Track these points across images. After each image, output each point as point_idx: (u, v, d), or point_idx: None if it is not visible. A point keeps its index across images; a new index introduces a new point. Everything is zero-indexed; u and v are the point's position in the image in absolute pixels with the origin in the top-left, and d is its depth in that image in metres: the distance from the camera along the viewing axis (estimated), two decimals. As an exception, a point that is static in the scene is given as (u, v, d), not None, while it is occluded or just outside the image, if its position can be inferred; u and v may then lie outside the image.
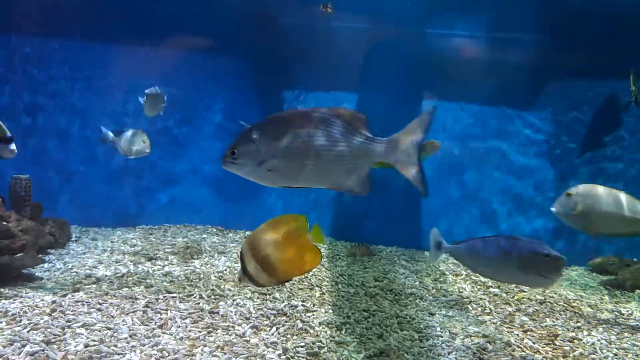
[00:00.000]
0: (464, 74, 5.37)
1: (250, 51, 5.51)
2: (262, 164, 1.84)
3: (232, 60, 5.54)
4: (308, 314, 3.03)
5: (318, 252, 1.71)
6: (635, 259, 4.60)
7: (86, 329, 2.52)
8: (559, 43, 5.22)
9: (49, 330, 2.46)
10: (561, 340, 2.97)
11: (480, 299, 3.70)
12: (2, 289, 3.04)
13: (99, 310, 2.80)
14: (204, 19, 5.29)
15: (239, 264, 1.85)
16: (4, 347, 2.25)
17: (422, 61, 5.41)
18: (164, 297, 3.09)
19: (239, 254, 1.72)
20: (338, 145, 1.84)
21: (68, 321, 2.59)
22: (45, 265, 3.71)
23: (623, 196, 2.86)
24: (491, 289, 3.96)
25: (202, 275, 3.63)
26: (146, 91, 3.94)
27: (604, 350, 2.87)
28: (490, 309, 3.47)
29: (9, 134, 2.96)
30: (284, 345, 2.55)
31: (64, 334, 2.44)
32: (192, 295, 3.17)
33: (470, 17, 5.33)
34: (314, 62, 5.46)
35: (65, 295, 3.00)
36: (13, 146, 2.97)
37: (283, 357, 2.44)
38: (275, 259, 1.71)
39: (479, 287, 4.02)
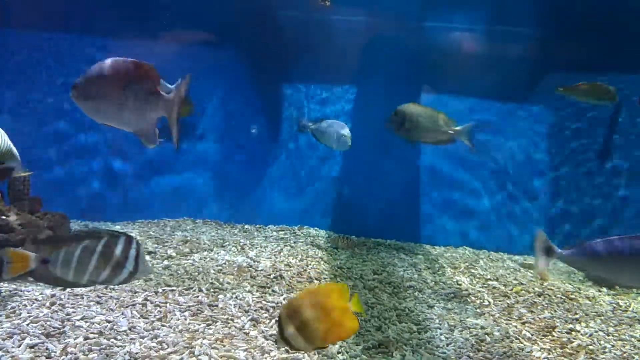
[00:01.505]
0: (463, 67, 5.36)
1: (249, 44, 5.49)
2: (83, 99, 2.26)
3: (230, 54, 5.52)
4: (307, 307, 3.04)
5: (356, 321, 1.74)
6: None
7: (86, 322, 2.53)
8: (559, 36, 5.21)
9: (48, 323, 2.46)
10: (559, 332, 2.99)
11: (479, 291, 3.71)
12: (1, 283, 3.04)
13: (98, 303, 2.80)
14: (202, 11, 5.27)
15: (277, 327, 1.86)
16: (3, 339, 2.26)
17: (420, 54, 5.39)
18: (163, 290, 3.10)
19: (277, 317, 1.74)
20: (126, 94, 2.21)
21: (67, 314, 2.60)
22: (45, 259, 3.72)
23: (435, 113, 3.49)
24: (490, 282, 3.97)
25: (201, 269, 3.64)
26: None
27: (602, 342, 2.89)
28: (489, 302, 3.48)
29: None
30: (283, 337, 2.56)
31: (64, 327, 2.44)
32: (192, 288, 3.18)
33: (468, 10, 5.31)
34: (312, 55, 5.44)
35: (64, 289, 3.00)
36: None
37: (282, 349, 2.44)
38: (315, 326, 1.72)
39: (477, 279, 4.04)
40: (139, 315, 2.68)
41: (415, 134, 3.55)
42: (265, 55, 5.51)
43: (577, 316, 3.30)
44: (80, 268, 1.93)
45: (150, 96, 2.24)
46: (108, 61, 2.22)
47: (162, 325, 2.59)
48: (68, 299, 2.82)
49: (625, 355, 2.74)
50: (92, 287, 3.05)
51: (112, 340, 2.36)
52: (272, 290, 3.27)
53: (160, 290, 3.09)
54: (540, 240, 2.42)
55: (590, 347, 2.80)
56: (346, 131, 4.19)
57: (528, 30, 5.33)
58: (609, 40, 4.99)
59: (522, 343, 2.80)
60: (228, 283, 3.35)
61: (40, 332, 2.36)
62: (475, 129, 3.58)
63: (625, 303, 3.66)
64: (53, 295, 2.84)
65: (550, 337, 2.92)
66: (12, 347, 2.20)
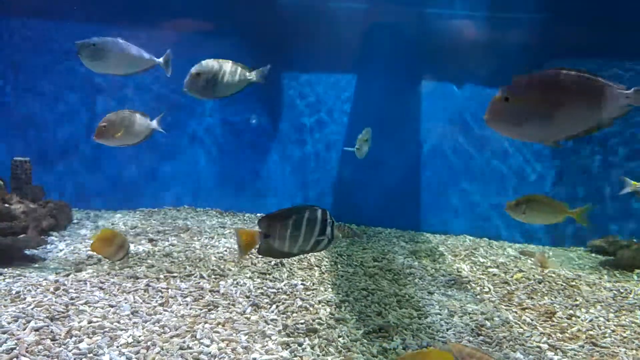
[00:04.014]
0: (463, 54, 5.34)
1: (249, 31, 5.46)
2: None
3: (230, 40, 5.50)
4: (308, 293, 3.06)
5: None
6: (634, 240, 4.61)
7: (89, 307, 2.56)
8: (561, 21, 5.17)
9: (52, 307, 2.49)
10: (559, 318, 3.00)
11: (479, 278, 3.72)
12: (5, 269, 3.07)
13: (101, 289, 2.83)
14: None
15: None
16: (8, 323, 2.28)
17: (421, 42, 5.36)
18: (165, 276, 3.12)
19: None
20: None
21: (71, 299, 2.62)
22: (48, 246, 3.74)
23: (230, 63, 3.37)
24: (490, 269, 3.99)
25: (202, 256, 3.66)
26: (76, 42, 3.29)
27: (602, 327, 2.90)
28: (489, 288, 3.50)
29: None
30: (284, 322, 2.58)
31: (68, 311, 2.47)
32: (193, 274, 3.20)
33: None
34: (312, 43, 5.42)
35: (68, 275, 3.03)
36: None
37: (283, 333, 2.47)
38: None
39: (477, 267, 4.05)
40: (141, 301, 2.70)
41: (221, 90, 3.29)
42: (264, 43, 5.49)
43: (577, 302, 3.31)
44: (292, 240, 2.15)
45: None
46: None
47: (164, 310, 2.61)
48: (72, 284, 2.84)
49: (625, 340, 2.75)
50: (95, 274, 3.08)
51: (116, 323, 2.38)
52: (273, 277, 3.29)
53: (162, 276, 3.12)
54: None
55: (590, 332, 2.82)
56: (357, 145, 4.20)
57: (528, 16, 5.29)
58: (610, 25, 4.94)
59: (522, 328, 2.81)
60: (229, 270, 3.37)
61: (44, 315, 2.38)
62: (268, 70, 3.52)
63: (626, 289, 3.67)
64: (57, 281, 2.87)
65: (550, 322, 2.93)
66: (18, 330, 2.22)
